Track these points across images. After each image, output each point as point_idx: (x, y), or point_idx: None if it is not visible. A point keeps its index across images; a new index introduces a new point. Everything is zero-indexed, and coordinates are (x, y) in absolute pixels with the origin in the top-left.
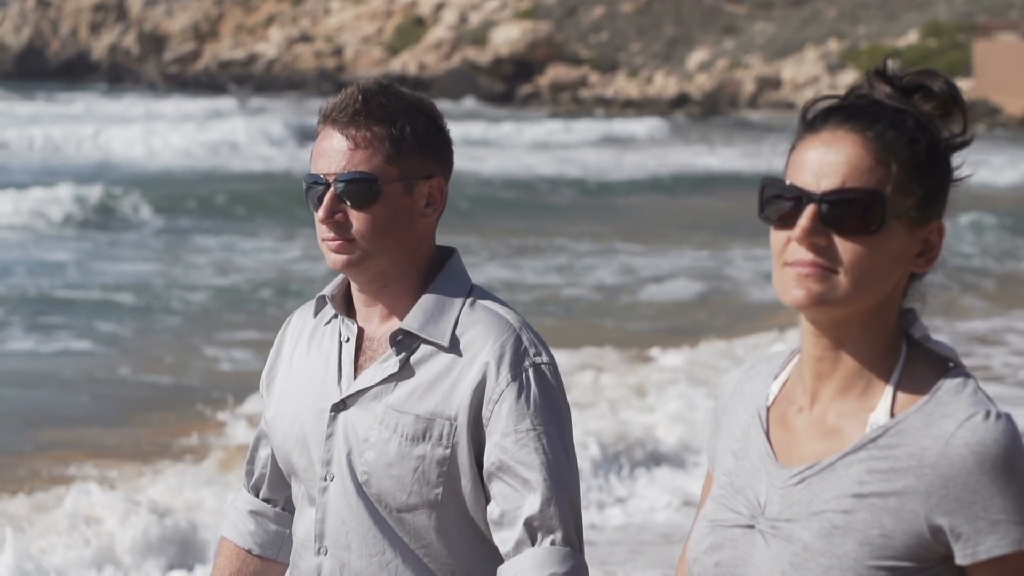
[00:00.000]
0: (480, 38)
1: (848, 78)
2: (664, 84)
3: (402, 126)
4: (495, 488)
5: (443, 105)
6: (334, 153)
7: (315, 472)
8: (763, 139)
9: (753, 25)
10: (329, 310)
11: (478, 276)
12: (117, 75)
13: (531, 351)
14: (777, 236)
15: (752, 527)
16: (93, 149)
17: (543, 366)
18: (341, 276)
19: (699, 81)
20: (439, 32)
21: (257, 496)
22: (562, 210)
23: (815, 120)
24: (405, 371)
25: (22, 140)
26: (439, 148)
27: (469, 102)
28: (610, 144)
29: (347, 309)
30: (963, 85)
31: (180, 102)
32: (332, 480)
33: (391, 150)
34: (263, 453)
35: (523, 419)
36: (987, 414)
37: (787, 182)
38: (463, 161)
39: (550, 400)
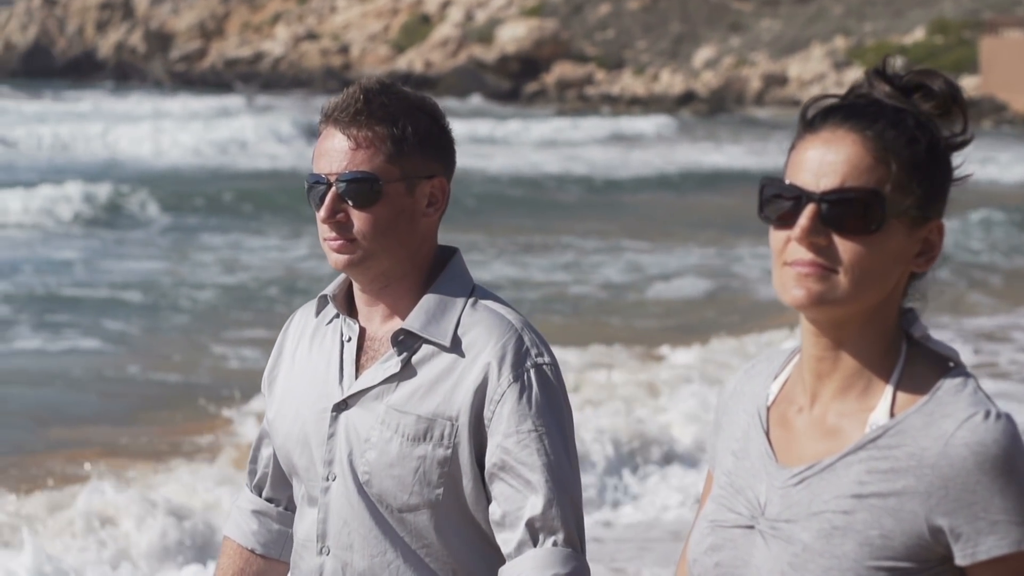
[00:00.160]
0: (486, 36)
1: (854, 75)
2: (670, 81)
3: (404, 126)
4: (497, 489)
5: (449, 103)
6: (336, 153)
7: (317, 472)
8: (770, 136)
9: (759, 22)
10: (331, 309)
11: (485, 274)
12: (123, 73)
13: (533, 352)
14: (777, 236)
15: (752, 527)
16: (101, 147)
17: (545, 366)
18: (343, 275)
19: (705, 78)
20: (445, 30)
21: (260, 496)
22: (569, 208)
23: (815, 119)
24: (407, 371)
25: (30, 138)
26: (441, 148)
27: (475, 100)
28: (617, 142)
29: (349, 308)
30: (969, 82)
31: (187, 100)
32: (334, 480)
33: (393, 150)
34: (265, 453)
35: (525, 420)
36: (987, 414)
37: (786, 181)
38: (470, 159)
39: (552, 401)
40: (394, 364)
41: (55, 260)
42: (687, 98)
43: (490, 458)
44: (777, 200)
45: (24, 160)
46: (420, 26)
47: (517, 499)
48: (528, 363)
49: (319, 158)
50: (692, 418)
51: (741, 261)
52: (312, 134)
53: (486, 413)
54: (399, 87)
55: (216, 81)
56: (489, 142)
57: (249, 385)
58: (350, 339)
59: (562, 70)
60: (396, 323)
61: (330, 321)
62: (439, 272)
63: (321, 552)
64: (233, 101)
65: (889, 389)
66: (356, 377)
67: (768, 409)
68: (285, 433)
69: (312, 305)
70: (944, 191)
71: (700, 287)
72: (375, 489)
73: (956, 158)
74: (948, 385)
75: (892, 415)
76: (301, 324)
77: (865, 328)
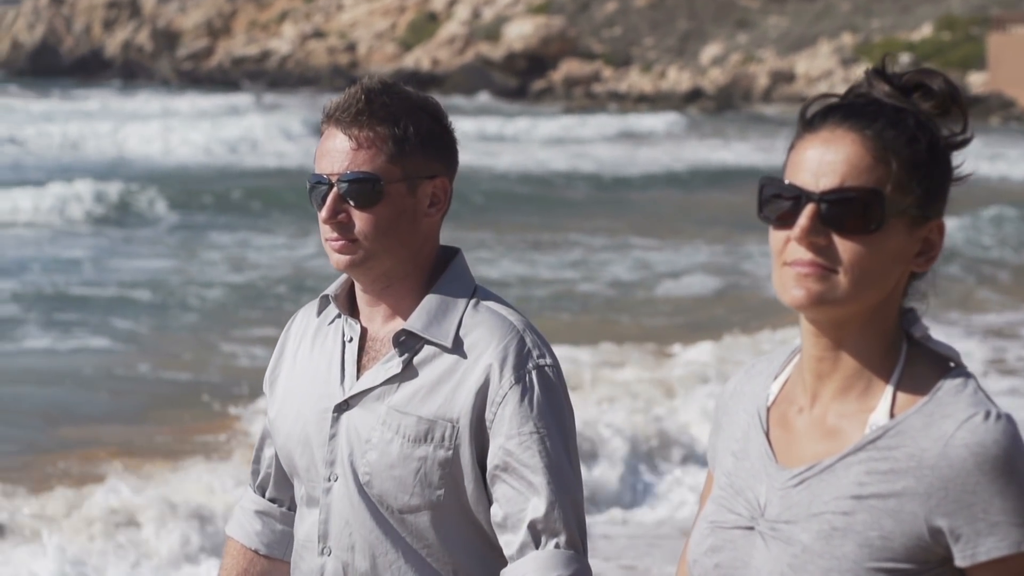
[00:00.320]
0: (493, 33)
1: (862, 72)
2: (677, 78)
3: (405, 126)
4: (498, 490)
5: (457, 100)
6: (337, 153)
7: (318, 472)
8: (777, 133)
9: (767, 19)
10: (332, 309)
11: (493, 271)
12: (131, 72)
13: (534, 353)
14: (776, 236)
15: (752, 528)
16: (110, 146)
17: (546, 368)
18: (345, 275)
19: (712, 75)
20: (452, 28)
21: (263, 496)
22: (577, 205)
23: (814, 119)
24: (408, 372)
25: (39, 137)
26: (443, 148)
27: (483, 97)
28: (625, 139)
29: (350, 308)
30: (977, 78)
31: (195, 99)
32: (336, 481)
33: (394, 150)
34: (268, 453)
35: (527, 421)
36: (987, 415)
37: (786, 181)
38: (478, 156)
39: (553, 402)
40: (395, 365)
41: (63, 259)
42: (694, 95)
43: (492, 460)
44: (776, 200)
45: (31, 158)
46: (427, 24)
47: (519, 501)
48: (530, 364)
49: (321, 158)
50: (710, 417)
51: (750, 258)
52: (321, 132)
53: (488, 415)
54: (401, 87)
55: (223, 80)
56: (497, 140)
57: (259, 384)
58: (352, 339)
59: (569, 68)
60: (398, 323)
61: (332, 321)
62: (441, 272)
63: (322, 553)
64: (241, 99)
65: (889, 389)
66: (357, 377)
67: (768, 409)
68: (286, 433)
69: (314, 305)
70: (944, 190)
71: (709, 285)
72: (376, 490)
73: (956, 157)
74: (948, 386)
75: (892, 416)
76: (303, 324)
77: (865, 328)
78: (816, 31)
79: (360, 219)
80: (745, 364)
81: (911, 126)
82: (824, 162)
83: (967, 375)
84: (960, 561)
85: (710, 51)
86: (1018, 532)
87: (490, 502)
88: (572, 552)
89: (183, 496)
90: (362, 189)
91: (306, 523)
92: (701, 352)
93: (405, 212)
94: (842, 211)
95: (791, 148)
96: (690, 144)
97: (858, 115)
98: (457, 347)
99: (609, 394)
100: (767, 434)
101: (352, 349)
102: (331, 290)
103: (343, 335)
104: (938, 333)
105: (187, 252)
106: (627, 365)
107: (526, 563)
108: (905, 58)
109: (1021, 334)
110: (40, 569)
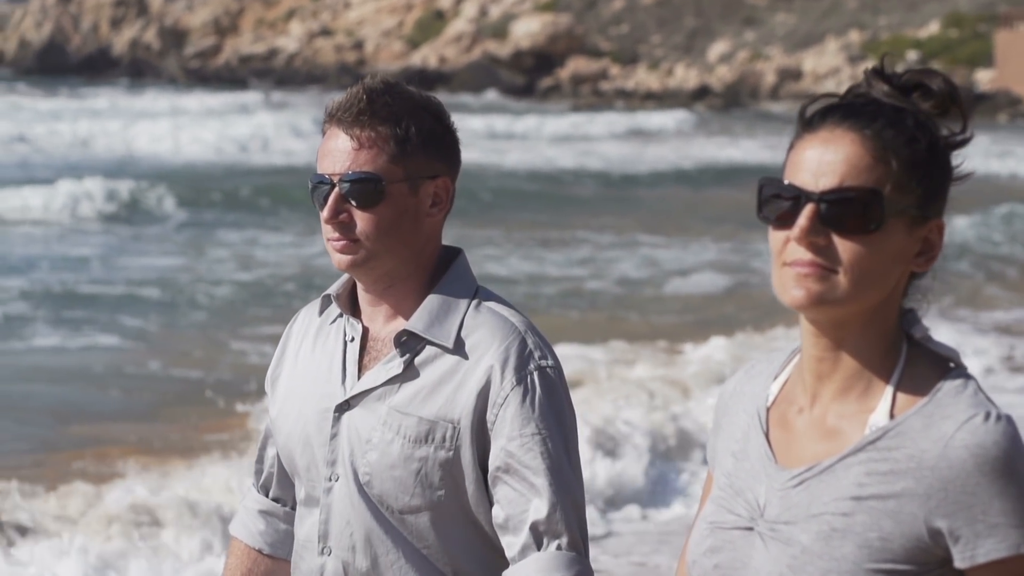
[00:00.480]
0: (500, 31)
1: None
2: (685, 76)
3: (407, 126)
4: (500, 492)
5: (464, 98)
6: (339, 153)
7: (319, 472)
8: (785, 130)
9: (774, 16)
10: (334, 309)
11: (501, 269)
12: (138, 70)
13: (536, 354)
14: (776, 236)
15: (751, 529)
16: (119, 144)
17: (548, 369)
18: (347, 275)
19: (720, 73)
20: (459, 25)
21: (267, 495)
22: (585, 203)
23: (813, 119)
24: (409, 372)
25: (49, 136)
26: (445, 147)
27: (490, 95)
28: (633, 136)
29: (352, 308)
30: (984, 76)
31: (203, 97)
32: (337, 480)
33: (396, 150)
34: (271, 452)
35: (528, 423)
36: (987, 416)
37: (785, 181)
38: (486, 154)
39: (555, 404)
40: (397, 365)
41: (72, 257)
42: (701, 93)
43: (493, 461)
44: (776, 200)
45: (39, 157)
46: (434, 22)
47: (521, 503)
48: (531, 366)
49: (323, 158)
50: None
51: (759, 256)
52: (323, 132)
53: (489, 416)
54: (403, 87)
55: (230, 78)
56: (506, 137)
57: None
58: (353, 339)
59: (576, 65)
60: (399, 323)
61: (333, 320)
62: (443, 272)
63: (323, 552)
64: (250, 97)
65: (889, 390)
66: (359, 377)
67: (768, 410)
68: (287, 433)
69: (316, 304)
70: (944, 190)
71: (719, 282)
72: (376, 490)
73: (956, 157)
74: (948, 386)
75: (892, 416)
76: (305, 323)
77: (865, 329)
78: (823, 28)
79: (362, 219)
80: (745, 364)
81: (910, 126)
82: (823, 162)
83: (967, 376)
84: (959, 563)
85: (717, 48)
86: (1017, 534)
87: (491, 503)
88: (574, 554)
89: (202, 494)
90: (364, 189)
91: (306, 523)
92: (714, 350)
93: (407, 212)
94: (842, 211)
95: (790, 148)
96: (698, 141)
97: (857, 115)
98: (458, 348)
99: (625, 392)
100: (767, 435)
101: (353, 349)
102: (333, 289)
103: (345, 335)
104: (947, 329)
105: (196, 250)
106: (639, 363)
107: (528, 565)
108: (912, 55)
109: None
110: (63, 570)
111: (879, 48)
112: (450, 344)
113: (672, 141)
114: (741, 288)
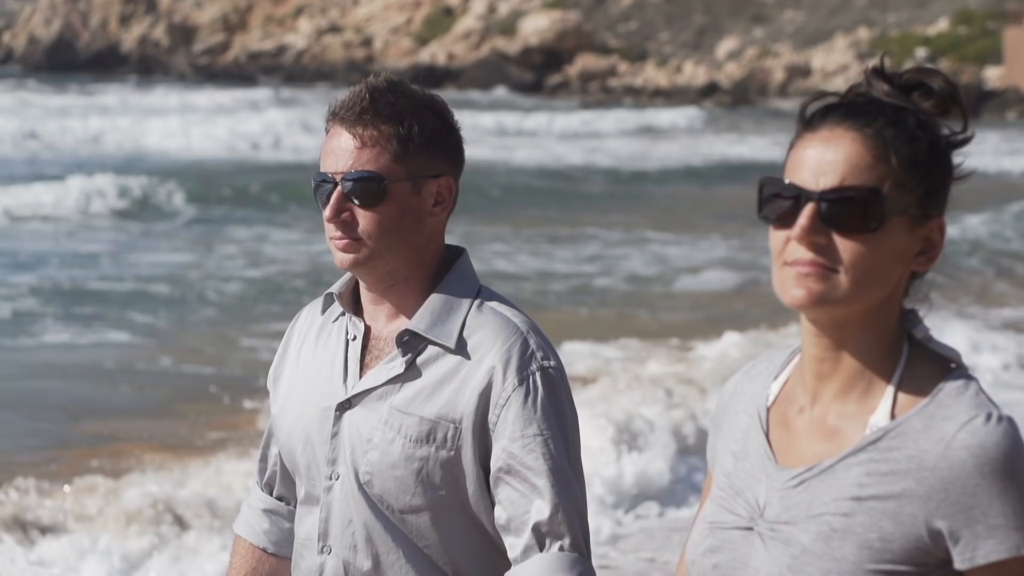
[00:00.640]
0: (509, 28)
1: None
2: (693, 73)
3: (410, 125)
4: (502, 493)
5: (472, 95)
6: (341, 152)
7: (319, 471)
8: (793, 128)
9: (783, 13)
10: (337, 307)
11: (510, 265)
12: (147, 67)
13: (538, 355)
14: (776, 235)
15: (751, 529)
16: (129, 140)
17: (550, 370)
18: (349, 274)
19: (728, 70)
20: (468, 22)
21: (271, 494)
22: (594, 199)
23: (813, 118)
24: (411, 372)
25: (57, 132)
26: (448, 147)
27: (499, 92)
28: (642, 133)
29: (354, 307)
30: (993, 73)
31: (213, 93)
32: (338, 479)
33: (398, 149)
34: (274, 450)
35: (530, 424)
36: (988, 417)
37: (786, 181)
38: (495, 151)
39: (557, 405)
40: (398, 365)
41: (82, 253)
42: (710, 90)
43: (495, 462)
44: (776, 199)
45: (51, 153)
46: (443, 18)
47: (523, 504)
48: (533, 366)
49: (325, 157)
50: None
51: (769, 253)
52: (326, 131)
53: (491, 417)
54: (407, 86)
55: (239, 75)
56: (515, 134)
57: None
58: (355, 338)
59: (585, 62)
60: (402, 322)
61: (336, 319)
62: (446, 272)
63: (323, 551)
64: (260, 94)
65: (890, 390)
66: (360, 376)
67: (768, 410)
68: (288, 431)
69: (318, 303)
70: (945, 189)
71: (728, 279)
72: (376, 489)
73: (956, 156)
74: (949, 387)
75: (893, 417)
76: (307, 321)
77: (866, 328)
78: (832, 25)
79: (364, 218)
80: (745, 364)
81: (911, 125)
82: (824, 161)
83: (968, 377)
84: (959, 564)
85: (726, 45)
86: (1017, 535)
87: (492, 503)
88: (576, 555)
89: (221, 490)
90: (366, 188)
91: (307, 521)
92: (729, 347)
93: (409, 211)
94: (842, 210)
95: (791, 147)
96: (707, 138)
97: (858, 114)
98: (460, 348)
99: (641, 389)
100: (767, 435)
101: (355, 348)
102: (335, 288)
103: (347, 333)
104: (961, 327)
105: (206, 246)
106: (651, 360)
107: (531, 566)
108: (921, 52)
109: None
110: (87, 569)
111: (888, 45)
112: (452, 344)
113: (681, 138)
114: (751, 285)
